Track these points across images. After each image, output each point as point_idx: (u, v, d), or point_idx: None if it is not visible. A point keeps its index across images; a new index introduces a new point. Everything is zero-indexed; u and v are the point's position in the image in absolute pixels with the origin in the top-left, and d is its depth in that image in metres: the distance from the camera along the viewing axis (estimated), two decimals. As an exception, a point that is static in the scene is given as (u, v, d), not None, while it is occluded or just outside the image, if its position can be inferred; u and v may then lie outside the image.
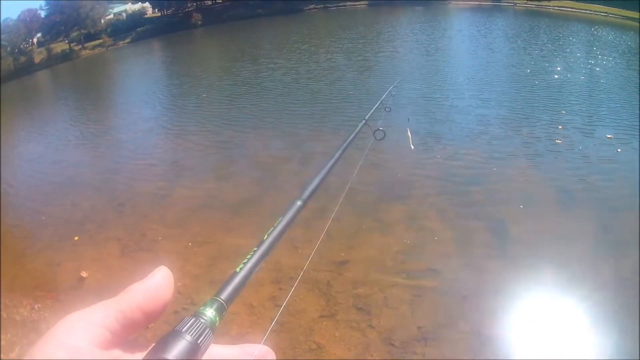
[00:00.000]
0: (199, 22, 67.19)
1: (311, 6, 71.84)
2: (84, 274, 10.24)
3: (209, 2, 72.04)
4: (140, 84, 39.47)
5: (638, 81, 25.13)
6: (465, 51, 36.73)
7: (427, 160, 15.51)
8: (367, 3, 75.85)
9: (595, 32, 47.14)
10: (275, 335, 8.09)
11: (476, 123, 18.61)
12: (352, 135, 2.45)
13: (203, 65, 41.42)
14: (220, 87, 30.57)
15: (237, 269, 1.15)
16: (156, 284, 1.00)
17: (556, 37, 42.24)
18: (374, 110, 4.21)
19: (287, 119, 20.75)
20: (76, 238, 12.20)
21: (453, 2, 79.40)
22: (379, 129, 3.30)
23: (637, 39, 41.77)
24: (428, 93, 23.77)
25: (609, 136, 16.84)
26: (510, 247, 10.91)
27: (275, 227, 1.40)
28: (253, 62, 36.98)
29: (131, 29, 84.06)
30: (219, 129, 20.24)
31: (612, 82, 25.65)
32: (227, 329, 8.29)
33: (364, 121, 3.40)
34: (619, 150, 15.97)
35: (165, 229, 12.12)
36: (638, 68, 27.36)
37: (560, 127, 17.72)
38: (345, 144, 2.13)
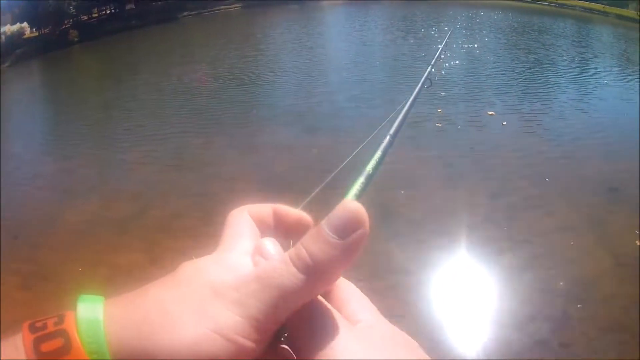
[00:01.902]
0: (76, 39, 65.64)
1: (185, 13, 71.08)
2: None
3: (85, 18, 70.26)
4: (21, 112, 38.59)
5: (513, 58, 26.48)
6: (340, 48, 37.35)
7: (305, 155, 16.20)
8: (240, 5, 75.57)
9: (474, 15, 48.80)
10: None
11: (352, 113, 19.33)
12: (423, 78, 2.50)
13: (77, 86, 40.75)
14: (93, 106, 30.19)
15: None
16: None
17: (433, 23, 43.50)
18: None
19: (164, 131, 20.86)
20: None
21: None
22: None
23: (517, 18, 43.83)
24: (300, 89, 24.41)
25: (491, 113, 17.59)
26: (399, 226, 11.41)
27: (370, 162, 1.55)
28: (125, 80, 36.62)
29: (11, 51, 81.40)
30: (97, 148, 20.05)
31: (492, 62, 26.77)
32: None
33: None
34: (504, 123, 16.78)
35: (60, 255, 12.06)
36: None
37: (439, 110, 18.34)
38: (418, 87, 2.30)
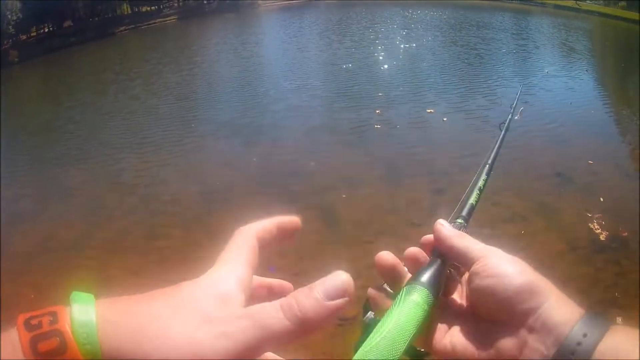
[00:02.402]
0: (16, 59, 64.59)
1: (122, 28, 70.33)
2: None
3: (24, 37, 69.07)
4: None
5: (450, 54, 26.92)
6: (277, 55, 37.56)
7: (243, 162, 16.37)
8: (176, 17, 75.07)
9: (409, 14, 49.25)
10: None
11: (291, 115, 19.90)
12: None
13: (16, 109, 40.10)
14: (33, 130, 29.77)
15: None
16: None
17: (369, 25, 43.83)
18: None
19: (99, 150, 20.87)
20: None
21: (262, 3, 79.84)
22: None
23: (453, 14, 44.36)
24: (247, 95, 24.86)
25: (430, 110, 17.90)
26: (344, 230, 11.68)
27: (472, 194, 1.62)
28: (63, 102, 36.11)
29: (-50, 76, 79.61)
30: (40, 169, 19.93)
31: (430, 60, 27.14)
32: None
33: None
34: (444, 119, 17.12)
35: (11, 283, 12.04)
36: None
37: (377, 111, 18.58)
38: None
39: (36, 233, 14.37)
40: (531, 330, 0.92)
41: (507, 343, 0.94)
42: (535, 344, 0.90)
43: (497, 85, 22.05)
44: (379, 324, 0.94)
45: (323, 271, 0.83)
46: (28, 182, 18.60)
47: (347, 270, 0.82)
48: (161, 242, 12.33)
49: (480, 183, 1.76)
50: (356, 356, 0.89)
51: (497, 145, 2.16)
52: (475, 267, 1.03)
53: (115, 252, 12.34)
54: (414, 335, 0.92)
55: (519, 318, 0.93)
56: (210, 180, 15.56)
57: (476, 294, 1.02)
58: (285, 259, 10.75)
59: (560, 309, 0.92)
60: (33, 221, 15.31)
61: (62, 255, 12.82)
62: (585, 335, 0.85)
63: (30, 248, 13.59)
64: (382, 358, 0.87)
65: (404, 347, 0.90)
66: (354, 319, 8.66)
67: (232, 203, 13.56)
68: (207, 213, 13.54)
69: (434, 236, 1.16)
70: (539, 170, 13.86)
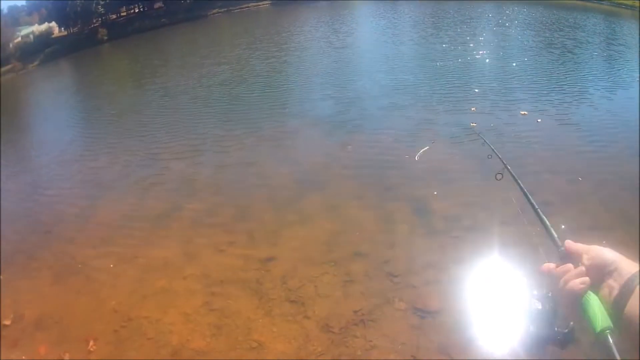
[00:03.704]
0: (105, 38, 65.82)
1: (214, 10, 70.90)
2: (6, 322, 10.07)
3: (114, 16, 70.48)
4: (51, 109, 38.75)
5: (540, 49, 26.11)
6: (375, 46, 36.55)
7: (340, 150, 16.00)
8: (270, 2, 75.35)
9: (504, 10, 48.25)
10: (214, 339, 8.25)
11: (388, 109, 18.95)
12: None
13: (112, 84, 40.74)
14: (133, 103, 30.10)
15: None
16: None
17: (462, 20, 42.97)
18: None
19: (198, 124, 20.94)
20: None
21: (356, -7, 79.55)
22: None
23: (543, 11, 43.29)
24: (339, 86, 24.14)
25: (524, 112, 17.29)
26: (434, 222, 11.25)
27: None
28: (162, 76, 36.40)
29: (39, 50, 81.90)
30: (132, 145, 20.02)
31: (522, 58, 26.31)
32: (167, 339, 8.46)
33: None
34: (539, 120, 16.52)
35: (92, 250, 12.00)
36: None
37: (473, 109, 18.10)
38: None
39: (123, 205, 14.42)
40: (614, 278, 1.66)
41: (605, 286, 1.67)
42: (613, 283, 1.64)
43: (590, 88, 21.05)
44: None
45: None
46: (119, 154, 18.76)
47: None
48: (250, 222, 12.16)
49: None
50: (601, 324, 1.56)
51: None
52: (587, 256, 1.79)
53: (201, 227, 12.19)
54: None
55: (608, 275, 1.68)
56: (306, 162, 15.35)
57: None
58: (372, 244, 10.78)
59: (626, 268, 1.64)
60: (120, 192, 15.39)
61: (146, 227, 12.73)
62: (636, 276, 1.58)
63: (116, 218, 13.67)
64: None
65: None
66: (435, 313, 8.42)
67: (327, 188, 13.43)
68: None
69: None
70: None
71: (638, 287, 1.53)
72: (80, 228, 13.55)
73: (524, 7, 50.37)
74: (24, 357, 8.76)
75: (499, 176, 3.18)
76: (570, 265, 1.78)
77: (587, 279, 1.69)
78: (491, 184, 10.95)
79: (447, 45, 31.50)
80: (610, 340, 1.51)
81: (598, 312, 1.59)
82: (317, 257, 10.31)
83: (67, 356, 8.50)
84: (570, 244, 1.91)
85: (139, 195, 14.86)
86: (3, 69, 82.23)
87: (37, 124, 33.17)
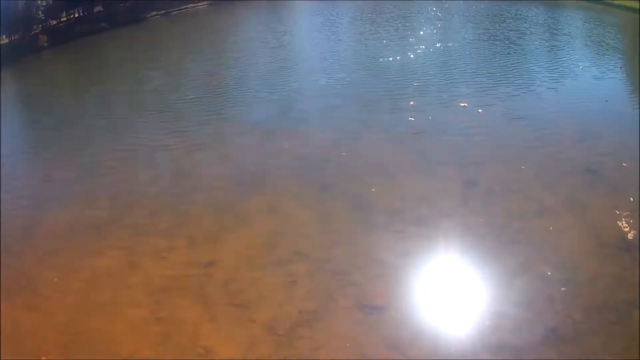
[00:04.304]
0: (46, 44, 64.88)
1: (153, 13, 70.24)
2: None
3: (54, 22, 69.44)
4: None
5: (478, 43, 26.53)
6: (312, 44, 36.28)
7: (278, 147, 16.19)
8: (208, 3, 74.85)
9: (440, 2, 48.58)
10: (162, 347, 8.34)
11: (326, 106, 19.08)
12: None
13: (52, 91, 40.21)
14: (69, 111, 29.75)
15: None
16: None
17: (401, 15, 43.20)
18: None
19: (136, 128, 20.87)
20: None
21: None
22: None
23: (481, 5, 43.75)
24: (274, 87, 24.19)
25: (464, 104, 17.61)
26: (376, 218, 11.46)
27: None
28: (101, 82, 35.98)
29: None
30: (70, 156, 19.78)
31: (459, 50, 26.64)
32: (116, 350, 8.49)
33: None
34: (480, 110, 16.85)
35: (38, 264, 11.76)
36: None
37: (412, 102, 18.33)
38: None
39: (65, 215, 14.30)
40: None
41: None
42: None
43: (531, 77, 21.43)
44: None
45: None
46: (63, 162, 18.62)
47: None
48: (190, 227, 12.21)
49: None
50: None
51: None
52: None
53: (142, 235, 12.21)
54: None
55: None
56: (241, 162, 15.48)
57: None
58: (313, 243, 10.86)
59: None
60: (62, 203, 15.29)
61: (89, 237, 12.63)
62: None
63: (62, 228, 13.54)
64: None
65: None
66: (382, 309, 8.66)
67: (266, 187, 13.54)
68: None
69: None
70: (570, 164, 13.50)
71: None
72: (27, 240, 13.41)
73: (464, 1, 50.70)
74: (-26, 379, 8.76)
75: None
76: None
77: None
78: (431, 176, 11.26)
79: (386, 41, 31.68)
80: None
81: None
82: (258, 259, 10.41)
83: (20, 372, 8.53)
84: None
85: (80, 205, 14.66)
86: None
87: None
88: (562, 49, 27.33)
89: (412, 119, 16.81)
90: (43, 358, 8.71)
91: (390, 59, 25.33)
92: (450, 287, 9.02)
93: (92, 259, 11.43)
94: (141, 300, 9.65)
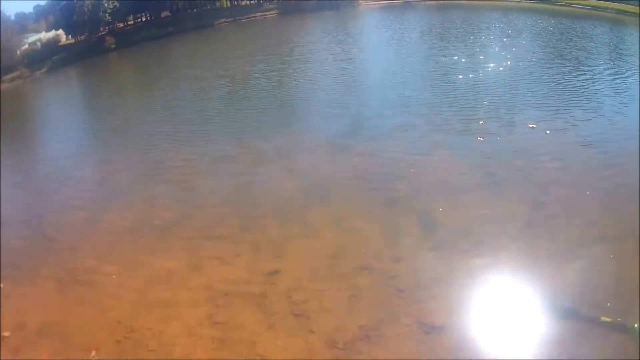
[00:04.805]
0: (112, 46, 66.03)
1: (221, 20, 71.17)
2: (6, 334, 10.01)
3: (121, 25, 70.77)
4: (60, 115, 38.86)
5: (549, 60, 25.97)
6: (380, 56, 36.16)
7: (347, 161, 15.89)
8: (276, 12, 75.47)
9: (507, 19, 47.92)
10: (217, 352, 8.16)
11: (395, 123, 18.78)
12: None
13: (117, 93, 40.85)
14: (134, 111, 30.13)
15: None
16: None
17: (468, 31, 42.65)
18: None
19: (201, 136, 20.84)
20: (1, 285, 11.92)
21: (363, 3, 79.57)
22: None
23: (549, 18, 42.96)
24: (344, 96, 24.18)
25: (532, 125, 17.20)
26: (441, 236, 11.16)
27: None
28: (166, 87, 36.33)
29: (47, 57, 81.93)
30: (135, 156, 19.95)
31: (529, 69, 26.11)
32: (169, 351, 8.40)
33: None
34: (548, 132, 16.43)
35: (97, 258, 11.89)
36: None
37: (481, 122, 17.99)
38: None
39: (128, 213, 14.39)
40: None
41: None
42: None
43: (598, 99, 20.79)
44: None
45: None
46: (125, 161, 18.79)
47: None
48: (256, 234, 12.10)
49: None
50: None
51: None
52: None
53: (206, 238, 12.13)
54: None
55: None
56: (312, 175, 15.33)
57: None
58: (379, 258, 10.69)
59: None
60: (127, 200, 15.36)
61: (151, 237, 12.68)
62: None
63: (121, 227, 13.61)
64: None
65: None
66: (441, 329, 8.35)
67: (334, 200, 13.35)
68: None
69: None
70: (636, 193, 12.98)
71: None
72: (86, 235, 13.50)
73: (530, 15, 50.04)
74: (24, 364, 8.74)
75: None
76: None
77: None
78: (498, 197, 10.90)
79: (456, 57, 31.23)
80: None
81: None
82: (322, 271, 10.24)
83: (68, 363, 8.45)
84: None
85: (144, 205, 14.76)
86: (10, 75, 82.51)
87: (43, 133, 33.27)
88: (630, 70, 26.47)
89: (481, 138, 16.46)
90: (93, 352, 8.65)
91: (460, 76, 24.82)
92: (511, 311, 8.69)
93: (153, 259, 11.50)
94: (200, 303, 9.58)
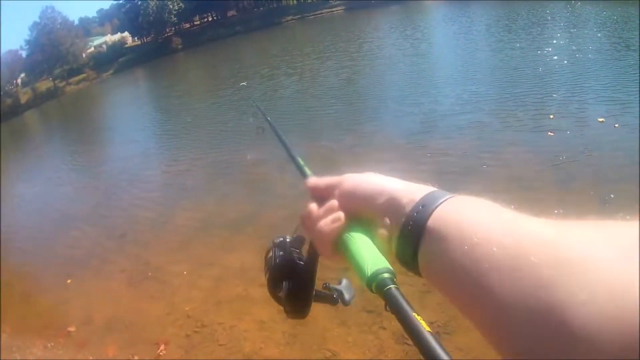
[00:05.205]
0: (179, 46, 66.91)
1: (288, 17, 71.42)
2: (71, 329, 10.16)
3: (187, 25, 71.78)
4: (128, 115, 39.69)
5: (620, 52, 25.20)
6: (449, 51, 35.80)
7: (419, 160, 15.66)
8: (343, 8, 75.52)
9: (573, 10, 46.85)
10: (288, 347, 8.14)
11: (466, 120, 18.51)
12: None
13: (187, 91, 41.42)
14: (203, 111, 30.51)
15: None
16: None
17: (534, 22, 41.85)
18: None
19: (270, 136, 20.84)
20: (69, 281, 12.15)
21: (428, -1, 78.98)
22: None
23: (617, 9, 41.76)
24: (417, 89, 24.09)
25: (601, 119, 16.78)
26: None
27: None
28: (233, 85, 36.71)
29: (113, 60, 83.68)
30: (205, 151, 20.20)
31: (596, 61, 25.44)
32: (240, 345, 8.40)
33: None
34: (616, 125, 15.99)
35: (168, 255, 12.12)
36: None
37: (551, 116, 17.64)
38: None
39: (200, 211, 14.66)
40: (388, 215, 1.14)
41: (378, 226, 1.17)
42: (390, 222, 1.13)
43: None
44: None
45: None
46: (195, 161, 18.97)
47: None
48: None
49: None
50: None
51: None
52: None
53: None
54: None
55: (380, 211, 1.17)
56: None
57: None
58: None
59: (405, 195, 1.12)
60: (196, 198, 15.51)
61: (224, 234, 12.81)
62: (422, 206, 1.04)
63: (193, 225, 13.85)
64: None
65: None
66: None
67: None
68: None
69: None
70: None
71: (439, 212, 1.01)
72: (156, 233, 13.75)
73: (596, 4, 48.79)
74: (90, 358, 8.82)
75: (259, 130, 2.79)
76: (313, 205, 1.34)
77: (340, 214, 1.24)
78: (567, 192, 10.60)
79: (523, 50, 30.64)
80: (392, 286, 1.06)
81: (366, 253, 1.16)
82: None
83: (136, 358, 8.52)
84: (313, 181, 1.47)
85: (217, 202, 14.95)
86: (76, 78, 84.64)
87: (112, 132, 33.95)
88: None
89: (551, 134, 16.12)
90: (162, 346, 8.80)
91: (529, 71, 24.29)
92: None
93: (225, 256, 11.57)
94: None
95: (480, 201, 1.04)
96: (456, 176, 14.04)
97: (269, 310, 9.12)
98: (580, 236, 0.76)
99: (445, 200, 1.03)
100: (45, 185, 23.04)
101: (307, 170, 1.74)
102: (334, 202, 1.28)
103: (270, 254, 1.60)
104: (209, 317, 9.26)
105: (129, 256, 12.68)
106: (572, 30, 36.48)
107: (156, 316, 9.71)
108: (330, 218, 1.25)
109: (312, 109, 24.18)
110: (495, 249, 0.82)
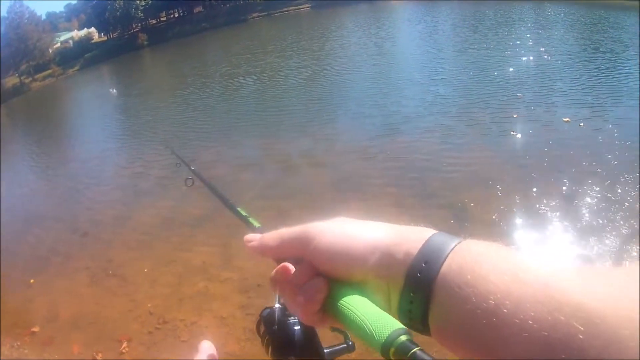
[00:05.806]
0: (145, 43, 66.45)
1: (255, 14, 71.23)
2: (35, 329, 10.19)
3: (154, 21, 71.28)
4: (91, 113, 39.48)
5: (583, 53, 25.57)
6: (414, 50, 35.92)
7: (380, 154, 15.88)
8: (309, 5, 75.47)
9: (541, 11, 47.28)
10: (249, 343, 8.22)
11: (430, 122, 18.63)
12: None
13: (149, 89, 41.24)
14: (166, 108, 30.47)
15: None
16: None
17: (501, 22, 42.22)
18: None
19: (237, 132, 20.91)
20: (32, 281, 12.15)
21: (395, -2, 79.27)
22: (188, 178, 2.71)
23: (585, 11, 42.34)
24: (379, 90, 24.11)
25: (566, 119, 17.00)
26: (474, 230, 11.13)
27: None
28: (198, 83, 36.66)
29: (79, 55, 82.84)
30: (168, 152, 20.07)
31: (562, 62, 25.71)
32: (198, 341, 8.37)
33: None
34: (581, 124, 16.22)
35: (129, 253, 12.13)
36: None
37: (515, 115, 17.85)
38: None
39: (161, 208, 14.66)
40: (382, 276, 0.95)
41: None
42: (387, 283, 0.94)
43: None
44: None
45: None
46: (162, 158, 19.03)
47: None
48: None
49: None
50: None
51: None
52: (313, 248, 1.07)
53: (239, 230, 12.18)
54: None
55: (371, 272, 0.97)
56: (341, 167, 15.30)
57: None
58: None
59: (399, 250, 0.95)
60: (157, 196, 15.57)
61: (184, 231, 12.92)
62: (425, 263, 0.89)
63: (154, 222, 13.90)
64: None
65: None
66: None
67: (366, 193, 13.36)
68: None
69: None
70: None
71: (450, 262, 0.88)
72: (118, 231, 13.72)
73: (563, 7, 49.22)
74: (56, 357, 8.87)
75: (189, 182, 2.62)
76: (285, 266, 1.13)
77: (321, 281, 1.01)
78: (530, 188, 10.83)
79: (490, 51, 30.85)
80: (417, 349, 0.81)
81: (369, 316, 0.92)
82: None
83: (99, 356, 8.59)
84: (266, 238, 1.22)
85: (177, 199, 14.88)
86: (42, 74, 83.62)
87: (75, 129, 33.78)
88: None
89: (514, 133, 16.35)
90: (125, 343, 8.84)
91: (495, 73, 24.50)
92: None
93: (185, 253, 11.61)
94: (233, 295, 9.65)
95: (489, 248, 0.90)
96: (417, 174, 14.24)
97: (229, 307, 9.22)
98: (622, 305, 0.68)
99: (451, 251, 0.88)
100: (7, 185, 22.89)
101: (255, 222, 1.47)
102: (309, 266, 1.06)
103: (262, 329, 1.33)
104: (171, 314, 9.29)
105: (91, 254, 12.64)
106: (540, 30, 36.88)
107: (119, 313, 9.70)
108: (311, 289, 1.01)
109: (270, 110, 24.13)
110: (529, 322, 0.72)
